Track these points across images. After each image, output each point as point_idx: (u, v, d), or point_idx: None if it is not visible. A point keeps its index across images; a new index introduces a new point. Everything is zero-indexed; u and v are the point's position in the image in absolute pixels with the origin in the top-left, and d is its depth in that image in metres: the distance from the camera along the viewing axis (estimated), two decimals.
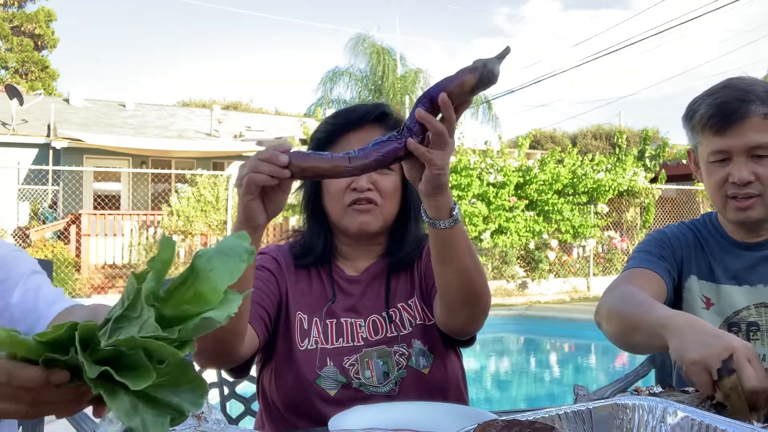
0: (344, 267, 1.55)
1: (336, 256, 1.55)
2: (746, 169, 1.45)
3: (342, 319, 1.48)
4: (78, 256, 11.94)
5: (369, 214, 1.47)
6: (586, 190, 12.89)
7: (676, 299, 1.61)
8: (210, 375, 1.78)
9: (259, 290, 1.44)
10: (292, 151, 1.11)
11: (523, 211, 12.30)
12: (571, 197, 12.85)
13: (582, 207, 13.08)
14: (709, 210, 1.67)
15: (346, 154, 1.11)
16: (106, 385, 0.65)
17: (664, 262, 1.58)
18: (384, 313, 1.50)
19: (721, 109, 1.46)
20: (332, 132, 1.49)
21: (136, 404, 0.65)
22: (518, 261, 12.42)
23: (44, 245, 11.52)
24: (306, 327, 1.47)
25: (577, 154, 13.08)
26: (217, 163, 16.51)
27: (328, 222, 1.53)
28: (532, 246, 12.47)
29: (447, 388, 1.48)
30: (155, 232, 12.20)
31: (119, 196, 15.92)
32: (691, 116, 1.54)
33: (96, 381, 0.65)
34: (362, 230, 1.48)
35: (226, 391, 1.79)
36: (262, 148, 1.13)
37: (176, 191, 13.22)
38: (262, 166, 1.10)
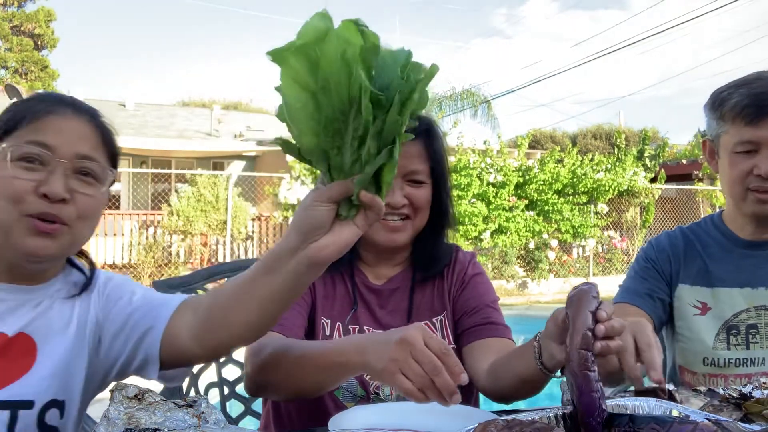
0: (367, 273, 1.50)
1: (359, 261, 1.51)
2: None
3: (365, 327, 1.43)
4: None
5: (401, 233, 1.42)
6: (586, 190, 12.90)
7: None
8: (210, 375, 1.78)
9: (302, 301, 1.40)
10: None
11: (523, 210, 12.30)
12: (571, 197, 12.86)
13: (582, 207, 13.09)
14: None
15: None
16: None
17: (646, 283, 1.59)
18: None
19: (757, 100, 1.44)
20: None
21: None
22: (518, 261, 12.43)
23: None
24: (328, 333, 1.43)
25: (576, 154, 13.08)
26: (217, 162, 16.51)
27: None
28: (532, 246, 12.48)
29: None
30: (155, 232, 12.20)
31: (119, 196, 15.91)
32: (719, 105, 1.50)
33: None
34: (391, 247, 1.44)
35: (226, 391, 1.78)
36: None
37: (176, 191, 13.20)
38: (443, 379, 0.98)
